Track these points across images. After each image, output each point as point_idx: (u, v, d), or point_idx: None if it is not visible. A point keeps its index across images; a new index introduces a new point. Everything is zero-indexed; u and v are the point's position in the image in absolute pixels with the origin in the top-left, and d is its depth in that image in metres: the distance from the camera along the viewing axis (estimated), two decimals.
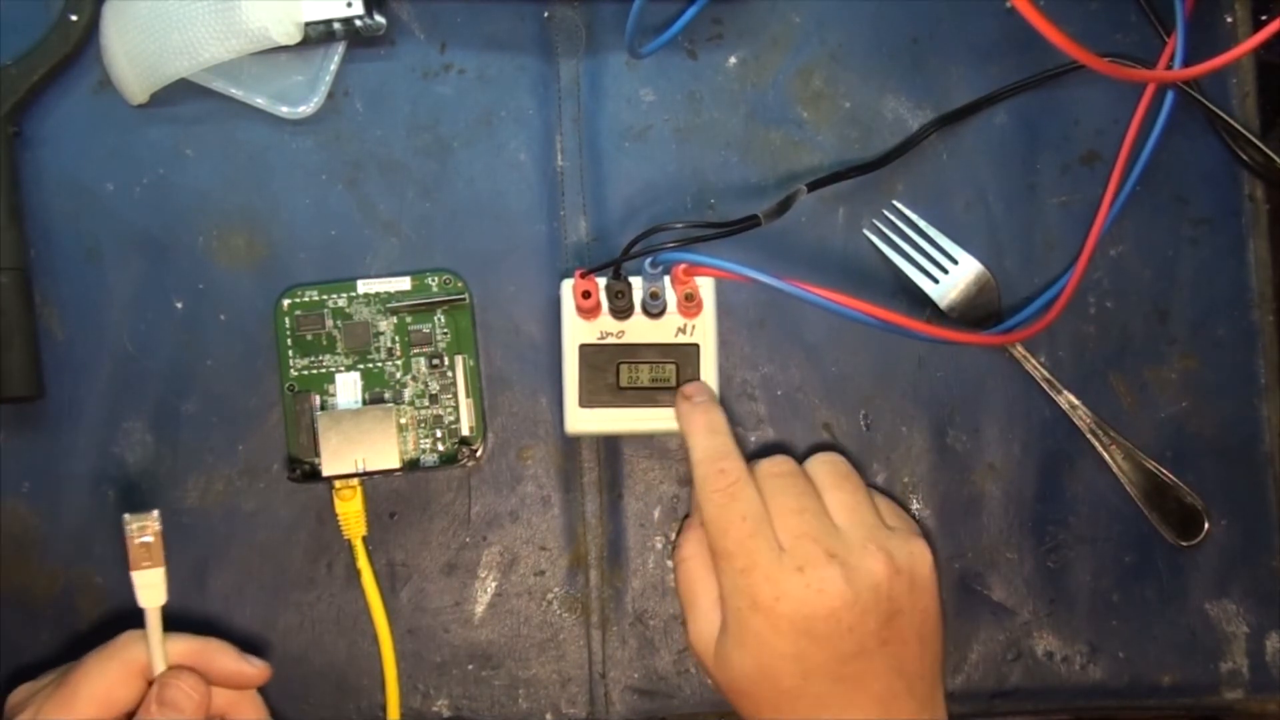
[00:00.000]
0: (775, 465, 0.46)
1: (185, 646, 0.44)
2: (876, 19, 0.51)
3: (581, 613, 0.50)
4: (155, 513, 0.44)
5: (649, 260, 0.44)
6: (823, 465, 0.47)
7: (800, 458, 0.48)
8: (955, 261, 0.50)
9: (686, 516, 0.49)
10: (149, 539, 0.44)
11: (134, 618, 0.47)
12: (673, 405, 0.47)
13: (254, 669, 0.45)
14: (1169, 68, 0.49)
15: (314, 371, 0.49)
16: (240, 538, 0.49)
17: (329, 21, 0.48)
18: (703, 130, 0.51)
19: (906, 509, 0.50)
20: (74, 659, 0.45)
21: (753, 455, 0.49)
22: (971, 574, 0.50)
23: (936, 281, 0.50)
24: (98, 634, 0.48)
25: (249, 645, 0.47)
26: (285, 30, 0.47)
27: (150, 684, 0.43)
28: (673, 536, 0.50)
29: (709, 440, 0.46)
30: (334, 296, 0.49)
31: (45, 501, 0.49)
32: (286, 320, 0.49)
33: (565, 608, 0.50)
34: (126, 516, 0.44)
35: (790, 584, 0.43)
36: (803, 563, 0.43)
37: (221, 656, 0.45)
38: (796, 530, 0.44)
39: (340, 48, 0.50)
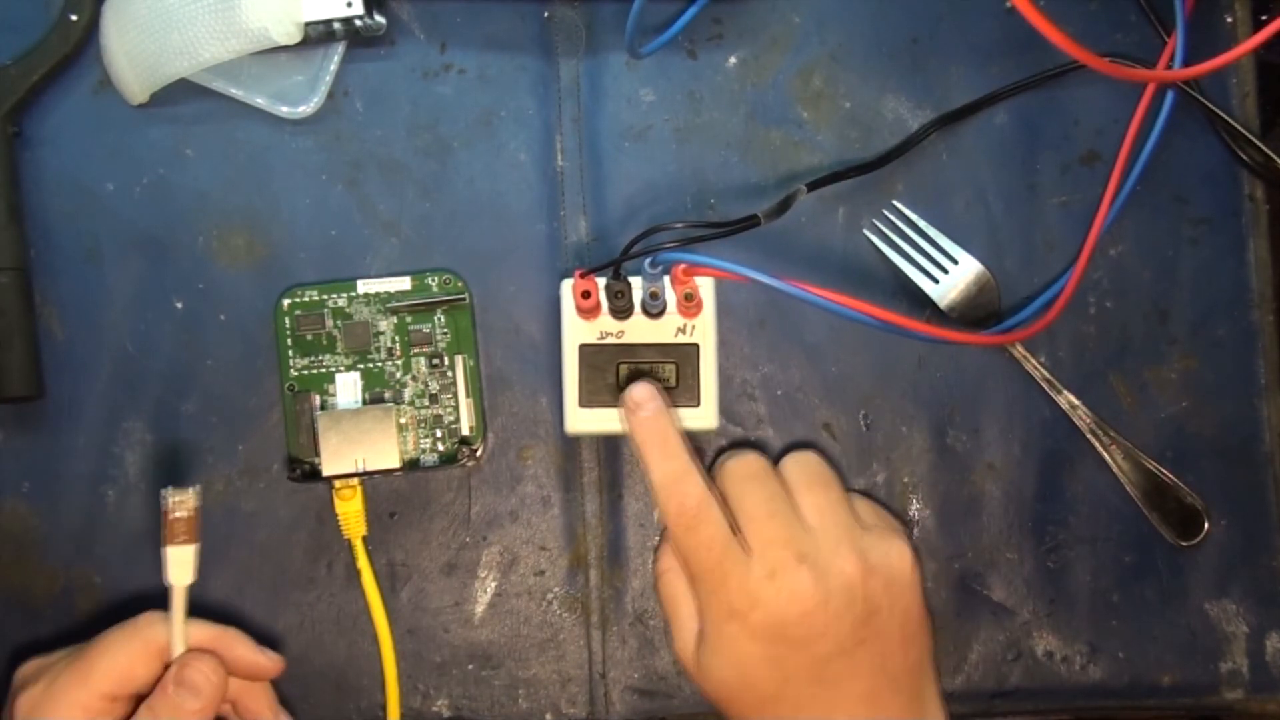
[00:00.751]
0: (745, 466, 0.46)
1: (204, 632, 0.44)
2: (876, 19, 0.51)
3: (581, 613, 0.50)
4: (196, 488, 0.43)
5: (649, 260, 0.43)
6: (796, 465, 0.47)
7: (779, 455, 0.48)
8: (955, 261, 0.50)
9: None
10: (186, 514, 0.43)
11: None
12: (673, 406, 0.46)
13: (269, 661, 0.45)
14: (1169, 68, 0.49)
15: (314, 371, 0.49)
16: (240, 538, 0.49)
17: (329, 21, 0.48)
18: (703, 130, 0.51)
19: (889, 507, 0.49)
20: None
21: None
22: (971, 574, 0.50)
23: (936, 281, 0.50)
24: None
25: (257, 639, 0.47)
26: (285, 30, 0.47)
27: (167, 666, 0.43)
28: None
29: (665, 465, 0.44)
30: (334, 296, 0.49)
31: (45, 501, 0.49)
32: (286, 320, 0.49)
33: (565, 608, 0.50)
34: (166, 490, 0.43)
35: (763, 591, 0.43)
36: (773, 568, 0.43)
37: (239, 646, 0.45)
38: (766, 535, 0.44)
39: (340, 48, 0.50)
